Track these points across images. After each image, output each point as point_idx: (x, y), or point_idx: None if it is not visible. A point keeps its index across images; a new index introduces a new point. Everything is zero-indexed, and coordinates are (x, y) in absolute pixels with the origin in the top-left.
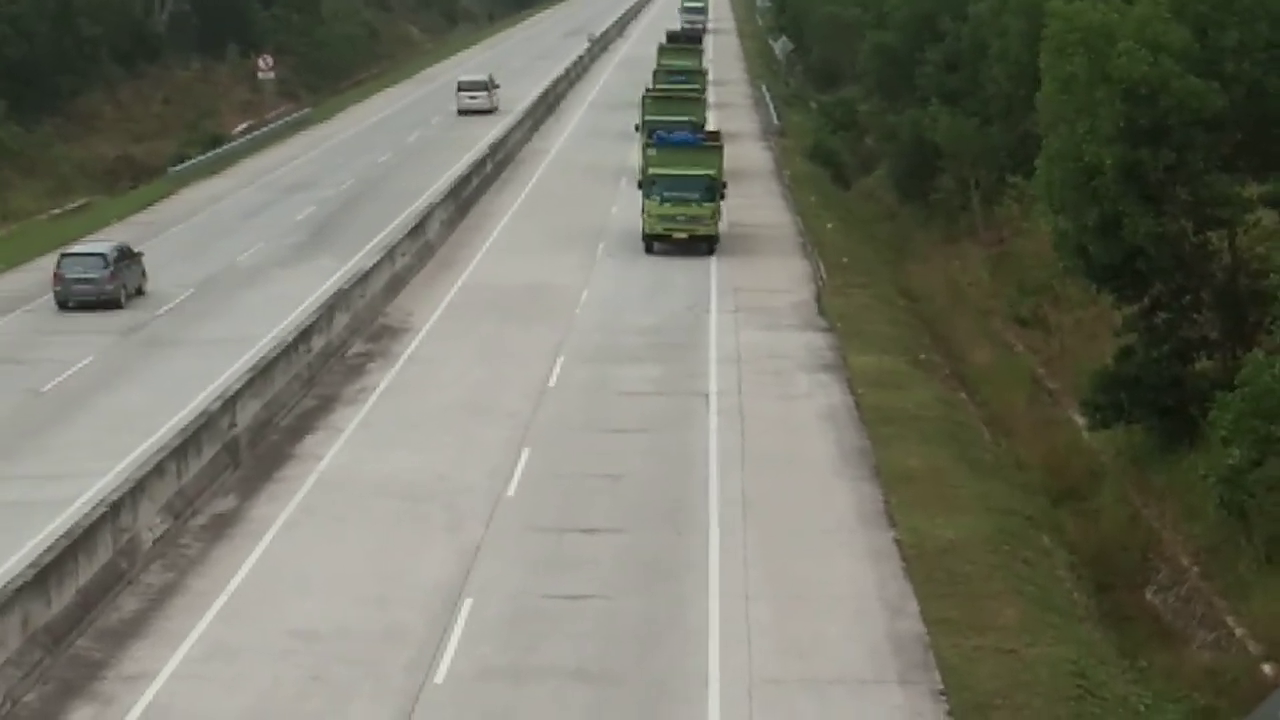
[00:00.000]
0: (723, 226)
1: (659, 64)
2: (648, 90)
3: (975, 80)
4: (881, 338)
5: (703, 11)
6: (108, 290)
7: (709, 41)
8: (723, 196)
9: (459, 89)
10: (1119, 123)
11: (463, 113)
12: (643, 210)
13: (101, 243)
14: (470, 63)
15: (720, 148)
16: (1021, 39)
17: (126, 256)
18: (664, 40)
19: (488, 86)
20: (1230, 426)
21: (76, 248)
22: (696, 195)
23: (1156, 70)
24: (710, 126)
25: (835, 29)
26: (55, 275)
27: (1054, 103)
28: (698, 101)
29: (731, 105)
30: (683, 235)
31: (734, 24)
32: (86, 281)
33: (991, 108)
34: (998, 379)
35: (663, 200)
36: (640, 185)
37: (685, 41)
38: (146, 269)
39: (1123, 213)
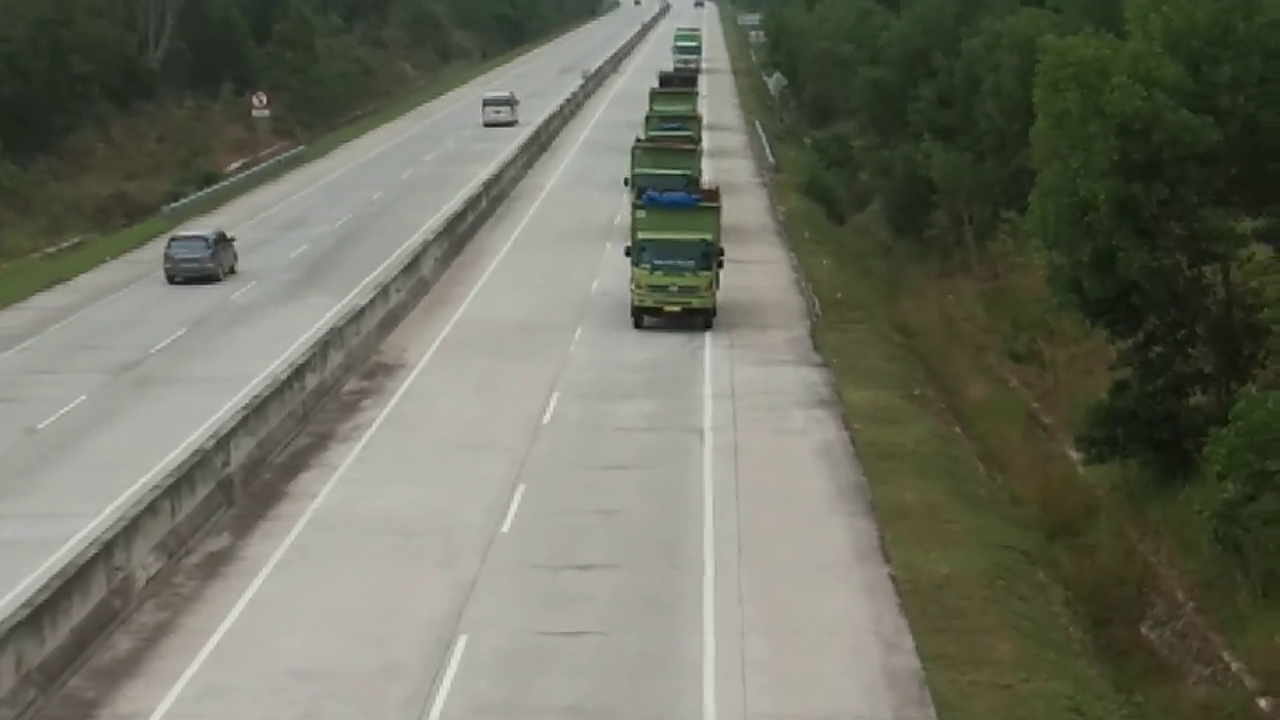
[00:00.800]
0: (720, 296)
1: (651, 110)
2: (638, 141)
3: (969, 116)
4: (877, 373)
5: (696, 51)
6: (209, 267)
7: (702, 80)
8: (720, 264)
9: (485, 104)
10: (1112, 157)
11: (489, 125)
12: (631, 280)
13: (203, 229)
14: (463, 100)
15: (717, 208)
16: (1014, 74)
17: (223, 240)
18: (656, 84)
19: (510, 102)
20: (1225, 461)
21: (183, 232)
22: (691, 263)
23: (1150, 105)
24: (706, 179)
25: (829, 65)
26: (165, 255)
27: (1047, 138)
28: (692, 154)
29: (725, 142)
30: (675, 309)
31: (728, 60)
32: (192, 260)
33: (985, 143)
34: (992, 414)
35: (653, 269)
36: (628, 252)
37: (679, 84)
38: (237, 252)
39: (1117, 247)
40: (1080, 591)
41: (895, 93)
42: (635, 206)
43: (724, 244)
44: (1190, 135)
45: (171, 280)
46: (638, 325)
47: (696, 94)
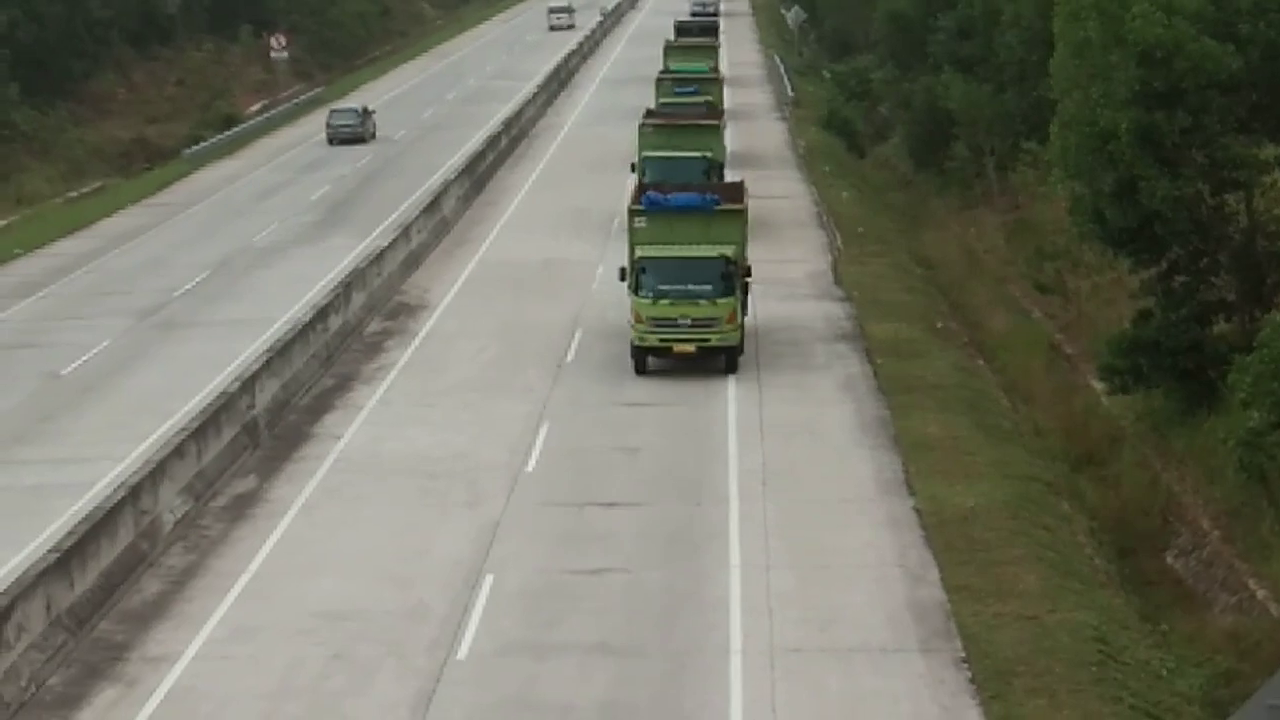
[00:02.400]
0: (750, 319)
1: (665, 67)
2: (646, 116)
3: (988, 47)
4: (898, 306)
5: None
6: (359, 131)
7: (721, 17)
8: (745, 287)
9: (549, 11)
10: (1134, 86)
11: (553, 29)
12: (630, 313)
13: (352, 103)
14: (484, 39)
15: (743, 211)
16: (1034, 4)
17: (366, 113)
18: (671, 35)
19: (570, 10)
20: (1249, 389)
21: (339, 105)
22: (707, 287)
23: (1171, 33)
24: (728, 167)
25: None
26: (327, 124)
27: (1068, 68)
28: (714, 130)
29: (745, 75)
30: (688, 348)
31: None
32: (346, 126)
33: (1005, 74)
34: (1015, 346)
35: (656, 297)
36: (622, 275)
37: (698, 34)
38: (376, 123)
39: (1139, 177)
40: (1105, 522)
41: (915, 25)
42: (632, 213)
43: (749, 191)
44: (1212, 63)
45: (331, 142)
46: (639, 370)
47: (718, 46)
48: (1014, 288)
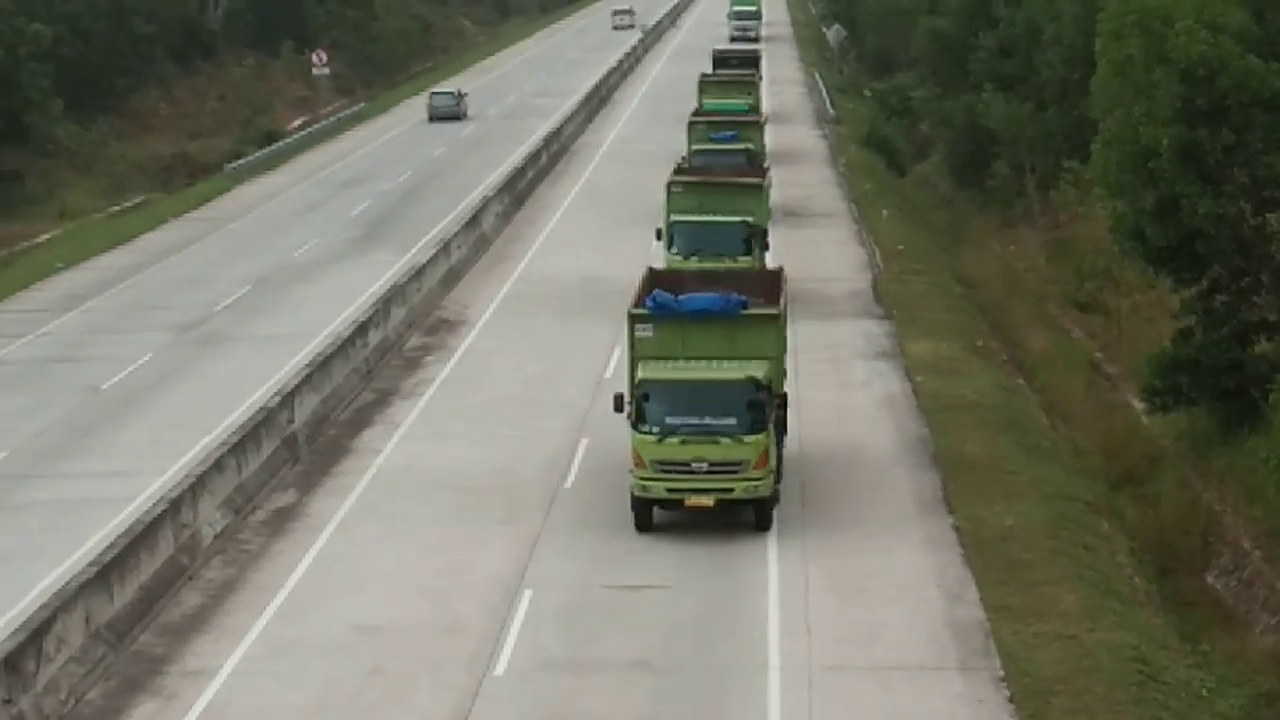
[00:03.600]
0: (793, 424)
1: (700, 105)
2: (676, 172)
3: (1030, 65)
4: (938, 324)
5: (756, 16)
6: (455, 110)
7: (761, 32)
8: (781, 419)
9: (613, 13)
10: (1176, 104)
11: (616, 29)
12: (632, 454)
13: (450, 87)
14: (524, 55)
15: (776, 316)
16: (1076, 23)
17: (461, 96)
18: (707, 68)
19: (632, 11)
20: None
21: (439, 88)
22: (731, 420)
23: (1215, 50)
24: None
25: (889, 15)
26: (428, 104)
27: (1110, 86)
28: (754, 191)
29: (786, 93)
30: (705, 501)
31: (787, 11)
32: (445, 106)
33: (1046, 92)
34: (1055, 364)
35: (664, 433)
36: (618, 404)
37: (737, 66)
38: (468, 105)
39: (1180, 195)
40: (1145, 541)
41: (956, 43)
42: (633, 319)
43: (787, 280)
44: (1256, 81)
45: (431, 120)
46: (641, 528)
47: (759, 81)
48: (1054, 306)
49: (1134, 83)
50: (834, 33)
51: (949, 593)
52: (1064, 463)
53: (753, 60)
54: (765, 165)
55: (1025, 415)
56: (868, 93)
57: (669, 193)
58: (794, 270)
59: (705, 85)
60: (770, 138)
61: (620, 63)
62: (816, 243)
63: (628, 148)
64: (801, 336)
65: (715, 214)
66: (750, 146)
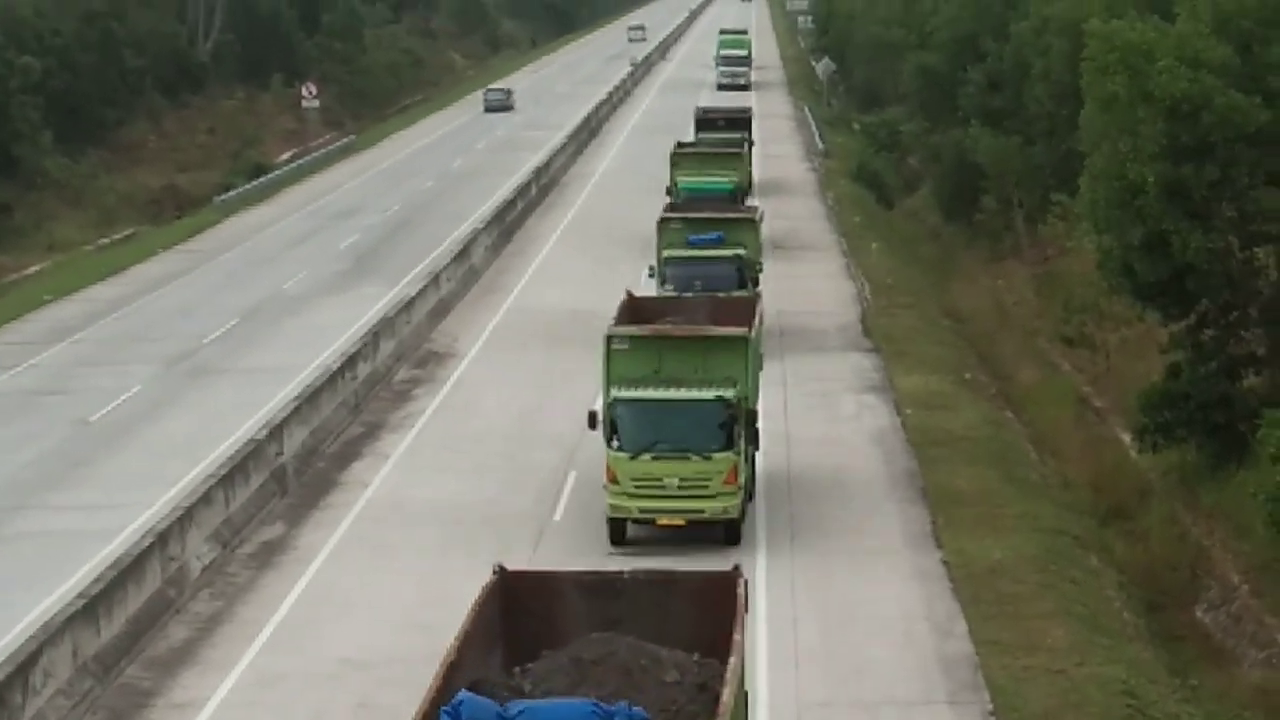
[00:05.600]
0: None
1: (673, 185)
2: (622, 313)
3: (1018, 100)
4: (928, 358)
5: (745, 61)
6: (506, 103)
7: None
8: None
9: (628, 29)
10: (1161, 141)
11: (631, 42)
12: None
13: (502, 84)
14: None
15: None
16: (1064, 59)
17: (510, 92)
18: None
19: (644, 28)
20: (1279, 444)
21: (495, 85)
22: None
23: (1197, 86)
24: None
25: (878, 50)
26: (484, 99)
27: (1096, 122)
28: (739, 347)
29: (775, 126)
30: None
31: (775, 45)
32: (498, 99)
33: (1034, 127)
34: (1044, 398)
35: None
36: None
37: (725, 128)
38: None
39: (1168, 230)
40: (1133, 576)
41: (944, 77)
42: (610, 340)
43: (761, 307)
44: (1240, 116)
45: (486, 111)
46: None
47: (747, 149)
48: (1043, 340)
49: (1119, 119)
50: (823, 66)
51: (938, 627)
52: (1053, 497)
53: (744, 121)
54: (757, 272)
55: (1014, 449)
56: (856, 126)
57: (609, 348)
58: (783, 303)
59: (679, 159)
60: (758, 170)
61: (610, 95)
62: (805, 276)
63: (618, 180)
64: (791, 370)
65: (676, 389)
66: (742, 252)
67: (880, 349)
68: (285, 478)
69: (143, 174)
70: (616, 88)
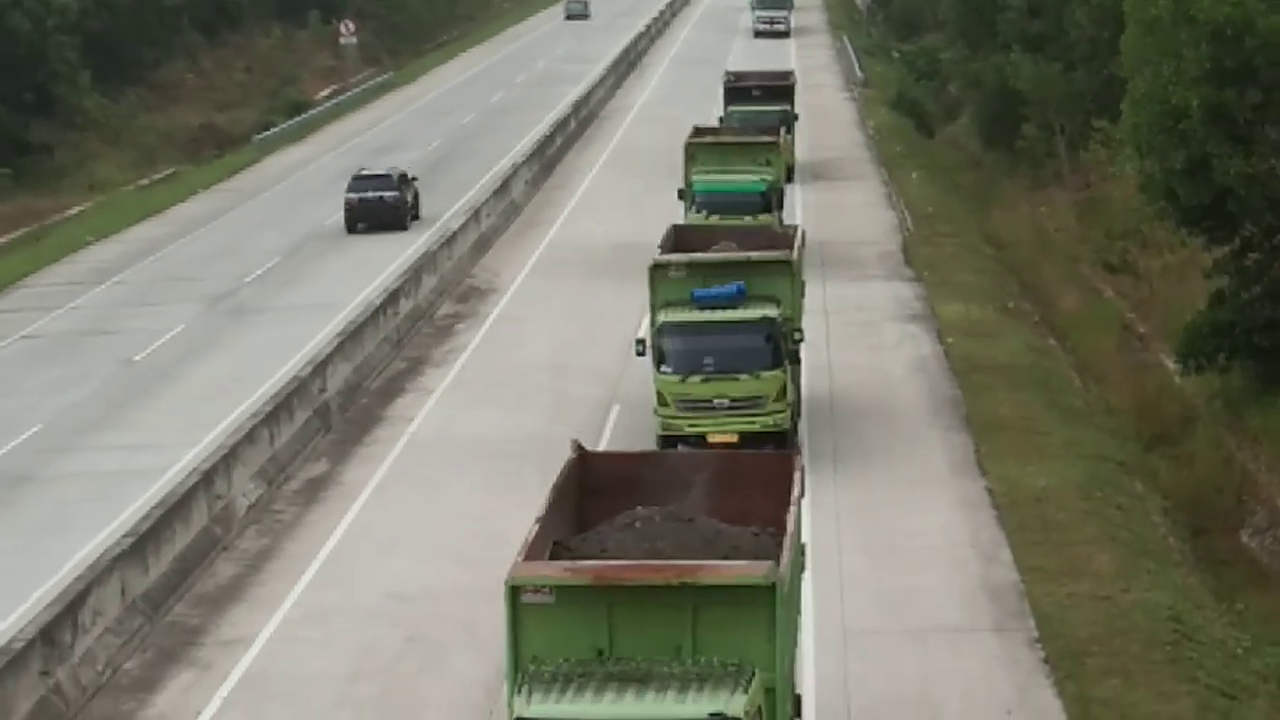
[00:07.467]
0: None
1: (688, 185)
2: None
3: (1058, 25)
4: (969, 286)
5: (786, 4)
6: (584, 11)
7: None
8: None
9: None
10: (1204, 64)
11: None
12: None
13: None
14: (551, 22)
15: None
16: None
17: (588, 3)
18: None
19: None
20: None
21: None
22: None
23: (1240, 10)
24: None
25: None
26: (566, 7)
27: (1138, 46)
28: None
29: (814, 56)
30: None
31: None
32: (579, 10)
33: (1075, 52)
34: (1087, 325)
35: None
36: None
37: (760, 99)
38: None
39: (1211, 154)
40: (1178, 501)
41: (984, 4)
42: (656, 267)
43: (804, 236)
44: None
45: (568, 19)
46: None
47: (790, 131)
48: (1085, 267)
49: (1162, 43)
50: None
51: (983, 554)
52: (1097, 423)
53: (784, 90)
54: (799, 342)
55: (1057, 376)
56: (896, 55)
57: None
58: (823, 233)
59: (695, 151)
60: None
61: (648, 28)
62: (846, 205)
63: (657, 111)
64: (832, 299)
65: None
66: (772, 313)
67: (922, 277)
68: (329, 414)
69: (181, 113)
70: (654, 20)
